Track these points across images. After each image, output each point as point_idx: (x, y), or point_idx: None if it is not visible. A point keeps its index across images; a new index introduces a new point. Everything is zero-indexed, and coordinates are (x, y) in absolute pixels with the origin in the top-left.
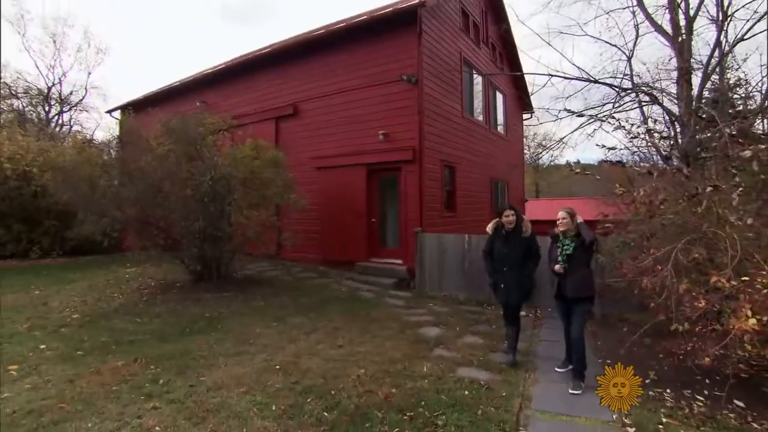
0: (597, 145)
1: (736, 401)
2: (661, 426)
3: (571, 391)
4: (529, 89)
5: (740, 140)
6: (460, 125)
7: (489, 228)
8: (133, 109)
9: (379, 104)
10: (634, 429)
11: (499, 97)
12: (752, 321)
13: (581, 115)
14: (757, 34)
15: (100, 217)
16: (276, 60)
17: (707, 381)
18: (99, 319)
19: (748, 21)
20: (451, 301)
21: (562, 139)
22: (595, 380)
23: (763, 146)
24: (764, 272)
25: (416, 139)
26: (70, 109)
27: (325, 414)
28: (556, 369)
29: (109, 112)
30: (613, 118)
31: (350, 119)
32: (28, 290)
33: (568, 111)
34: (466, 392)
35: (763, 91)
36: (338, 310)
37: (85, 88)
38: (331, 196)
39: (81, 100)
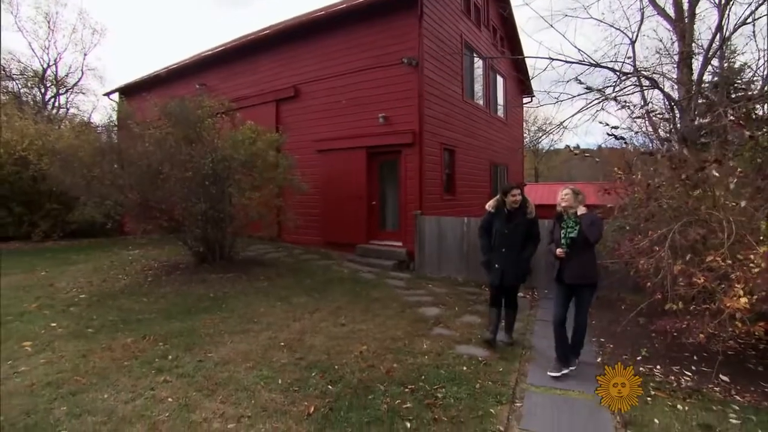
0: (600, 122)
1: (722, 376)
2: (649, 398)
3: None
4: (530, 73)
5: (741, 122)
6: (460, 108)
7: (489, 205)
8: (132, 91)
9: (380, 87)
10: None
11: (500, 80)
12: (743, 300)
13: (588, 89)
14: (758, 18)
15: (102, 201)
16: (276, 42)
17: (695, 358)
18: (106, 299)
19: (750, 4)
20: (449, 282)
21: (562, 123)
22: (587, 357)
23: (760, 132)
24: (756, 252)
25: (416, 123)
26: (66, 92)
27: (330, 387)
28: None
29: (107, 94)
30: (615, 100)
31: (351, 102)
32: (34, 271)
33: (579, 82)
34: (465, 368)
35: (764, 76)
36: (340, 290)
37: (82, 70)
38: (332, 178)
39: (77, 82)
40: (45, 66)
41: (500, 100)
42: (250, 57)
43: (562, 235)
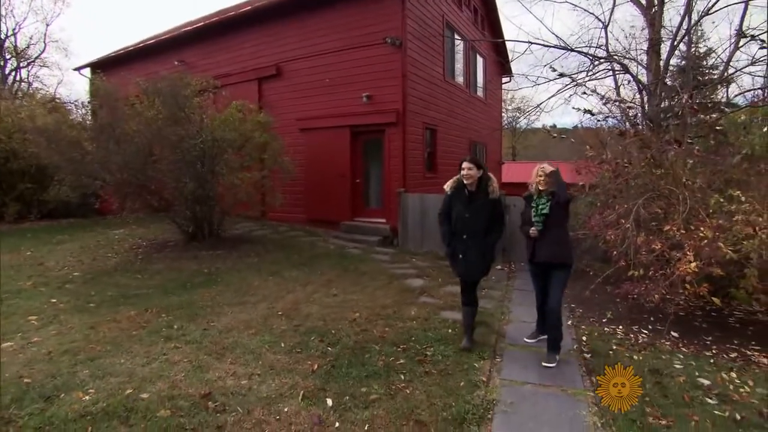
0: (574, 108)
1: (672, 333)
2: (611, 351)
3: (544, 364)
4: (510, 56)
5: (695, 108)
6: (442, 88)
7: (447, 186)
8: (104, 66)
9: (363, 66)
10: (590, 354)
11: (480, 60)
12: (693, 265)
13: (562, 75)
14: (723, 7)
15: (91, 180)
16: (257, 19)
17: (652, 319)
18: (100, 276)
19: None
20: (432, 256)
21: (539, 105)
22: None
23: (716, 115)
24: (706, 224)
25: (400, 102)
26: (28, 65)
27: (329, 348)
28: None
29: (78, 69)
30: (586, 86)
31: (334, 81)
32: (19, 251)
33: (553, 69)
34: (450, 330)
35: (725, 61)
36: (329, 264)
37: (44, 42)
38: (316, 157)
39: (40, 54)
40: (3, 36)
41: (480, 79)
42: (231, 34)
43: (534, 213)
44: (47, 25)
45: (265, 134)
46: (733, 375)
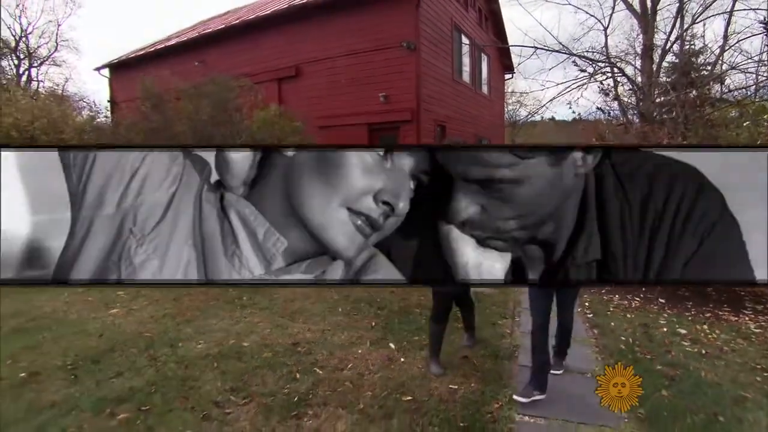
0: (585, 98)
1: (660, 299)
2: (608, 312)
3: (553, 372)
4: (515, 61)
5: (696, 103)
6: (451, 87)
7: None
8: (125, 66)
9: (379, 68)
10: (592, 314)
11: (484, 58)
12: None
13: (582, 71)
14: (709, 17)
15: None
16: (278, 21)
17: (644, 290)
18: None
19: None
20: None
21: (543, 105)
22: None
23: (709, 110)
24: None
25: (414, 101)
26: (40, 64)
27: (379, 311)
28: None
29: (98, 69)
30: (600, 82)
31: (352, 81)
32: None
33: (575, 64)
34: (475, 301)
35: (714, 61)
36: None
37: (56, 42)
38: None
39: (51, 53)
40: (17, 37)
41: (484, 75)
42: (251, 35)
43: None
44: (58, 25)
45: (299, 136)
46: (705, 327)
